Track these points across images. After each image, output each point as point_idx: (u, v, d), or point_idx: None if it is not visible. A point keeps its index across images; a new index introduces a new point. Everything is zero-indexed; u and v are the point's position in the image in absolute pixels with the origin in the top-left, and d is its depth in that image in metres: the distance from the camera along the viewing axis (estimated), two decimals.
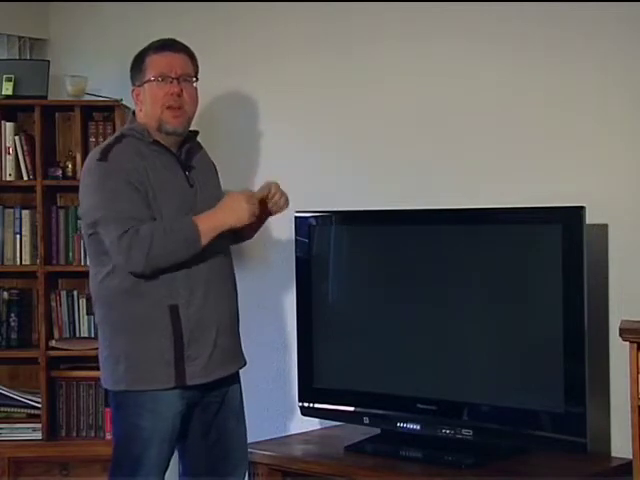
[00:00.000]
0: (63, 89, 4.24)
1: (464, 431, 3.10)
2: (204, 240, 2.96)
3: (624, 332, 2.74)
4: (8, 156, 4.13)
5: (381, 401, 3.31)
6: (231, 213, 3.01)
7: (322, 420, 3.64)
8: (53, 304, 4.22)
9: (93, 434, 4.14)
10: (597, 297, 3.06)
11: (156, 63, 3.08)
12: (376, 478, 3.06)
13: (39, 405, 4.10)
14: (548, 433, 2.96)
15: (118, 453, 3.08)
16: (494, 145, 3.37)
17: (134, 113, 3.16)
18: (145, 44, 3.15)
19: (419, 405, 3.20)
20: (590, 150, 3.16)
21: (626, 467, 2.87)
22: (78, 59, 4.47)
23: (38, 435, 4.09)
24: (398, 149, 3.61)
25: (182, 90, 3.07)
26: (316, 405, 3.48)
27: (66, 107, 4.22)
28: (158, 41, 3.14)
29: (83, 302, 4.23)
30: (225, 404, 3.15)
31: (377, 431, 3.36)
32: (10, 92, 4.13)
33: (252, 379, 3.51)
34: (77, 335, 4.23)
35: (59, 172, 4.15)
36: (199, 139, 3.24)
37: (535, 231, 3.04)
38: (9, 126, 4.15)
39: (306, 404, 3.50)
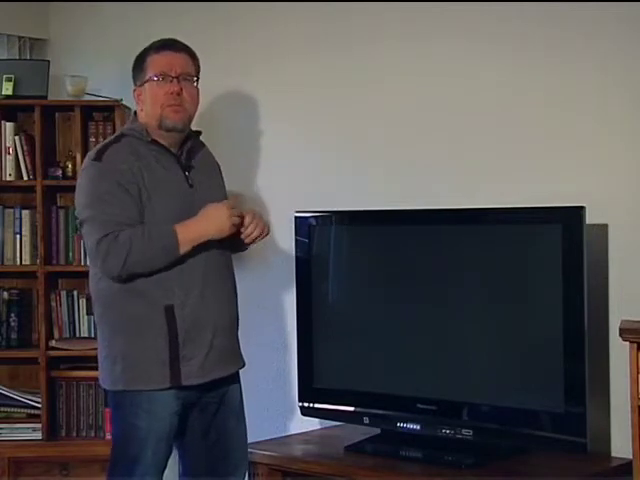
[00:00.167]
0: (63, 89, 4.24)
1: (464, 431, 3.10)
2: (182, 249, 2.97)
3: (624, 332, 2.74)
4: (8, 156, 4.13)
5: (381, 401, 3.31)
6: (212, 224, 3.01)
7: (322, 420, 3.64)
8: (53, 304, 4.22)
9: (93, 434, 4.14)
10: (597, 297, 3.06)
11: (156, 62, 3.08)
12: (376, 478, 3.06)
13: (39, 405, 4.10)
14: (548, 433, 2.96)
15: (115, 453, 3.08)
16: (494, 145, 3.37)
17: (136, 113, 3.16)
18: (145, 44, 3.15)
19: (419, 405, 3.20)
20: (590, 150, 3.16)
21: (626, 467, 2.87)
22: (78, 59, 4.47)
23: (38, 435, 4.09)
24: (398, 149, 3.61)
25: (182, 89, 3.07)
26: (316, 405, 3.48)
27: (66, 107, 4.22)
28: (159, 41, 3.15)
29: (83, 302, 4.23)
30: (224, 404, 3.15)
31: (377, 431, 3.36)
32: (10, 92, 4.13)
33: (252, 379, 3.51)
34: (77, 335, 4.23)
35: (59, 172, 4.15)
36: (200, 139, 3.24)
37: (535, 231, 3.03)
38: (9, 126, 4.15)
39: (306, 404, 3.50)
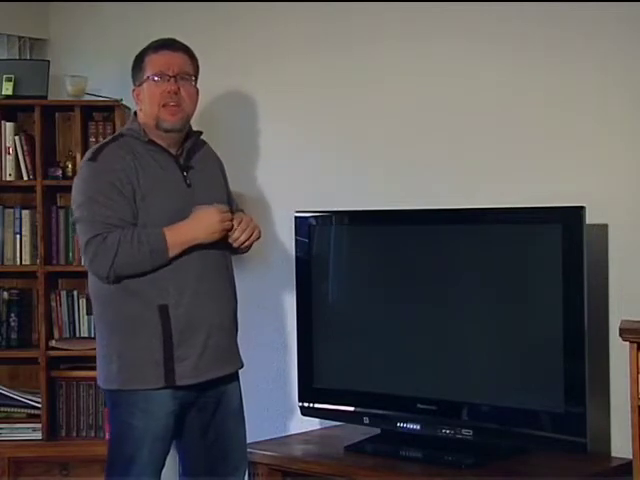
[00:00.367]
0: (63, 89, 4.24)
1: (464, 431, 3.10)
2: (171, 253, 2.96)
3: (624, 332, 2.74)
4: (8, 156, 4.13)
5: (381, 401, 3.31)
6: (202, 228, 3.00)
7: (322, 420, 3.64)
8: (53, 304, 4.22)
9: (93, 434, 4.15)
10: (597, 297, 3.06)
11: (154, 62, 3.08)
12: (376, 478, 3.06)
13: (39, 405, 4.11)
14: (548, 433, 2.96)
15: (112, 452, 3.09)
16: (494, 145, 3.37)
17: (135, 113, 3.16)
18: (145, 44, 3.15)
19: (419, 405, 3.20)
20: (590, 150, 3.16)
21: (626, 467, 2.87)
22: (78, 59, 4.47)
23: (38, 435, 4.09)
24: (398, 149, 3.61)
25: (179, 88, 3.06)
26: (316, 405, 3.48)
27: (66, 107, 4.22)
28: (157, 41, 3.14)
29: (83, 302, 4.23)
30: (223, 404, 3.14)
31: (377, 431, 3.36)
32: (10, 92, 4.13)
33: (252, 379, 3.51)
34: (77, 335, 4.23)
35: (59, 172, 4.15)
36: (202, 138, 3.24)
37: (535, 231, 3.03)
38: (9, 126, 4.15)
39: (306, 404, 3.50)
